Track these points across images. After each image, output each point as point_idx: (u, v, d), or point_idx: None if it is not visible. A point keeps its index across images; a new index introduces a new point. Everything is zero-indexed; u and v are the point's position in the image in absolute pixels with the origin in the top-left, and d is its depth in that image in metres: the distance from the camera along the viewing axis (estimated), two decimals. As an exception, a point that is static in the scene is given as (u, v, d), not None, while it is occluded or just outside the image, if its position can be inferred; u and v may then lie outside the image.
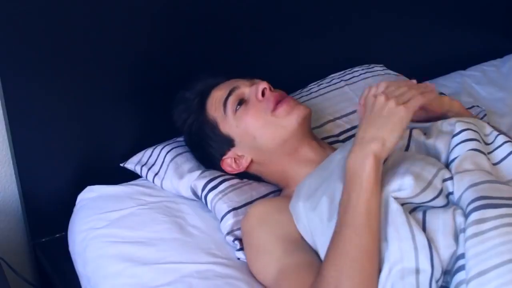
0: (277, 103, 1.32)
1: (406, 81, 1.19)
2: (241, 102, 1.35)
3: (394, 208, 1.04)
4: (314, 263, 1.14)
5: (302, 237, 1.19)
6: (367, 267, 1.02)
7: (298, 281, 1.12)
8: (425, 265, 1.01)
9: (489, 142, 1.19)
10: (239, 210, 1.33)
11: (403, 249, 1.02)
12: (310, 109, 1.35)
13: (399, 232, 1.03)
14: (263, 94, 1.34)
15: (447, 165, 1.15)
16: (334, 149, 1.38)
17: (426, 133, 1.24)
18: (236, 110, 1.34)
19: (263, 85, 1.35)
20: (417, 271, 1.01)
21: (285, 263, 1.16)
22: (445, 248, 1.03)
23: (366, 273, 1.02)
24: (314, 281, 1.07)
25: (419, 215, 1.07)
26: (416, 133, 1.22)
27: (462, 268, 1.01)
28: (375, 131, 1.05)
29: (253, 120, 1.32)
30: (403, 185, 1.08)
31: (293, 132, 1.32)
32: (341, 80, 1.72)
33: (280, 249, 1.19)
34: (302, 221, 1.18)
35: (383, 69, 1.78)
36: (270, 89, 1.35)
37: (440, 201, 1.09)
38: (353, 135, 1.54)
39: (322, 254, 1.13)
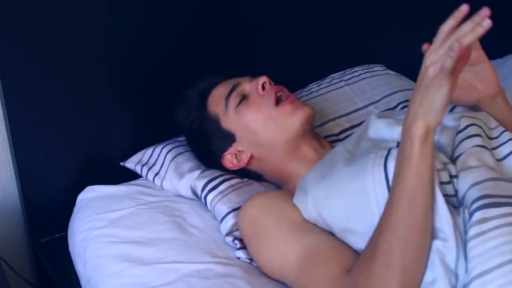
0: (279, 97, 1.33)
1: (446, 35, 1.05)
2: (243, 98, 1.35)
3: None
4: (336, 240, 1.14)
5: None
6: (418, 242, 1.01)
7: (325, 257, 1.12)
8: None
9: (494, 136, 1.19)
10: (238, 212, 1.33)
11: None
12: (314, 110, 1.35)
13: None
14: (263, 88, 1.35)
15: (452, 162, 1.15)
16: (334, 147, 1.39)
17: None
18: (237, 105, 1.35)
19: (263, 79, 1.35)
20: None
21: (304, 245, 1.15)
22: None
23: (418, 248, 1.01)
24: (361, 254, 1.07)
25: None
26: None
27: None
28: (418, 103, 1.01)
29: (254, 114, 1.33)
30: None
31: (295, 133, 1.32)
32: (341, 80, 1.72)
33: (293, 233, 1.18)
34: (310, 212, 1.18)
35: (383, 69, 1.78)
36: (270, 83, 1.36)
37: (451, 188, 1.09)
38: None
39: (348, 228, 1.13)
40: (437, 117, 1.00)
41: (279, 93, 1.34)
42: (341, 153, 1.22)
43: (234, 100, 1.35)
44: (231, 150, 1.37)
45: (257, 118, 1.33)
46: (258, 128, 1.33)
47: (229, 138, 1.36)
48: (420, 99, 1.01)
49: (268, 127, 1.32)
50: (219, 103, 1.37)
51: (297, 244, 1.16)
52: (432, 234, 1.03)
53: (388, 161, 1.11)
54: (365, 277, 1.03)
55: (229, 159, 1.38)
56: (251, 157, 1.37)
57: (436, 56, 1.02)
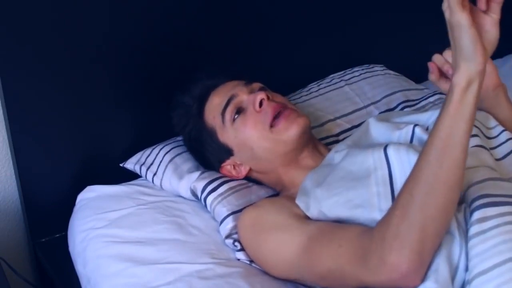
0: (275, 116, 1.30)
1: None
2: (239, 110, 1.34)
3: None
4: (339, 224, 1.13)
5: None
6: (443, 198, 0.97)
7: (339, 230, 1.10)
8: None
9: (492, 136, 1.19)
10: (238, 214, 1.32)
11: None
12: (309, 120, 1.33)
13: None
14: (260, 104, 1.32)
15: None
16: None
17: (428, 128, 1.24)
18: (234, 119, 1.33)
19: (261, 96, 1.32)
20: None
21: (312, 229, 1.14)
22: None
23: (441, 206, 0.97)
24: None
25: None
26: (419, 130, 1.22)
27: (466, 269, 1.01)
28: (454, 55, 0.99)
29: (250, 131, 1.31)
30: None
31: (292, 146, 1.31)
32: (341, 80, 1.72)
33: (298, 222, 1.17)
34: (312, 210, 1.18)
35: (383, 69, 1.78)
36: (268, 98, 1.33)
37: None
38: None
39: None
40: (476, 61, 0.96)
41: (277, 112, 1.31)
42: (340, 153, 1.22)
43: (230, 114, 1.33)
44: (229, 162, 1.37)
45: (252, 135, 1.31)
46: (254, 145, 1.32)
47: (227, 152, 1.36)
48: (453, 48, 0.99)
49: (264, 144, 1.31)
50: (215, 116, 1.36)
51: (300, 231, 1.15)
52: None
53: (388, 147, 1.10)
54: (381, 230, 1.00)
55: (228, 170, 1.38)
56: (250, 169, 1.37)
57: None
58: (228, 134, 1.34)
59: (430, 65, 1.17)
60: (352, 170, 1.15)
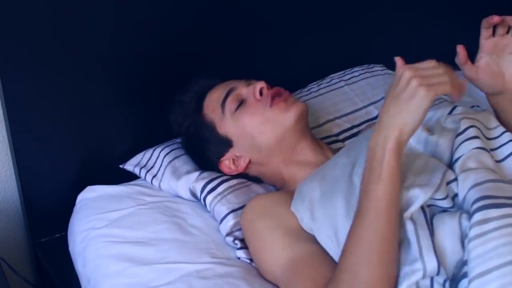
0: (274, 96, 1.32)
1: (443, 65, 1.04)
2: (240, 102, 1.35)
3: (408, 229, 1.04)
4: (324, 251, 1.14)
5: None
6: (386, 256, 1.01)
7: (312, 269, 1.12)
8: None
9: (493, 136, 1.18)
10: (238, 212, 1.33)
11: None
12: (306, 105, 1.35)
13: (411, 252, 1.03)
14: (261, 93, 1.34)
15: (451, 164, 1.14)
16: (333, 150, 1.39)
17: (429, 129, 1.23)
18: (234, 110, 1.34)
19: (261, 84, 1.35)
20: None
21: (295, 252, 1.15)
22: (452, 255, 1.03)
23: (386, 262, 1.01)
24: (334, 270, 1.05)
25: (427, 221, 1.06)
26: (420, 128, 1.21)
27: (467, 275, 1.00)
28: (393, 115, 1.00)
29: (251, 118, 1.32)
30: (411, 203, 1.06)
31: (290, 129, 1.32)
32: (341, 80, 1.72)
33: (286, 239, 1.18)
34: (306, 224, 1.19)
35: (383, 69, 1.78)
36: (267, 88, 1.35)
37: (447, 202, 1.09)
38: (353, 135, 1.54)
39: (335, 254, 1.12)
40: (413, 130, 0.99)
41: (276, 95, 1.33)
42: (344, 167, 1.19)
43: (230, 104, 1.35)
44: (228, 155, 1.37)
45: (253, 122, 1.32)
46: (255, 132, 1.33)
47: (226, 144, 1.36)
48: (398, 110, 0.99)
49: (264, 128, 1.32)
50: (215, 109, 1.36)
51: (284, 252, 1.17)
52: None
53: None
54: None
55: (227, 165, 1.38)
56: (249, 162, 1.37)
57: (424, 72, 1.00)
58: (227, 125, 1.35)
59: (458, 48, 1.16)
60: (347, 218, 1.13)
